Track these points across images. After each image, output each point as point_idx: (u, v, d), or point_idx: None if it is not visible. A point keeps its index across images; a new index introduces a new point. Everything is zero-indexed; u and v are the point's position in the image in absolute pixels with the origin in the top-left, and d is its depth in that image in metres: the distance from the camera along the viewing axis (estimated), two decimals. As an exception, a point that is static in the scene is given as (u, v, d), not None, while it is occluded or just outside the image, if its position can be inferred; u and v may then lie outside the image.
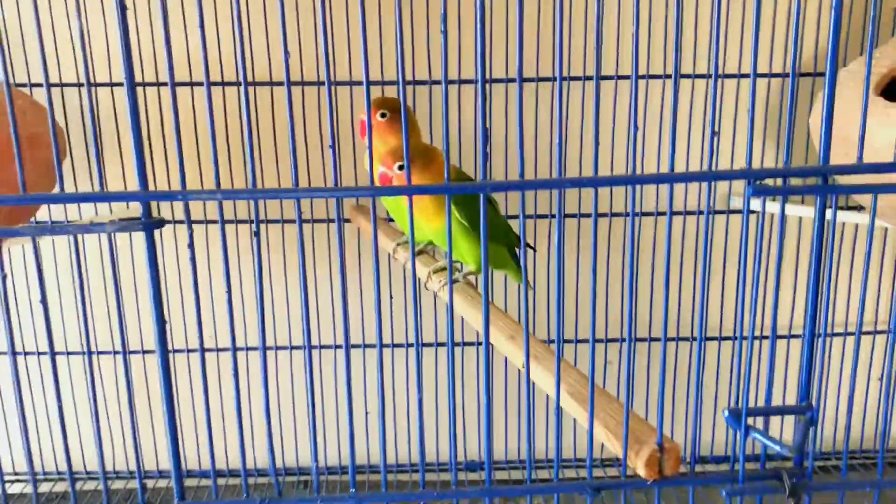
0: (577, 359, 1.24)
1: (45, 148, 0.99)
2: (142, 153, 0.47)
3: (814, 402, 0.51)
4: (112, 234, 0.48)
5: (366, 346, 1.26)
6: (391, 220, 1.14)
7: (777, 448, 0.48)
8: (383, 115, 0.94)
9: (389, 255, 1.03)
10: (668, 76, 1.17)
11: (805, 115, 1.15)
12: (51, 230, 0.47)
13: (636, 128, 0.47)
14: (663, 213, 1.21)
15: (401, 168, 0.83)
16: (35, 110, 1.01)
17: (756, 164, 1.20)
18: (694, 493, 0.55)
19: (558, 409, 0.54)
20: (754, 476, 0.52)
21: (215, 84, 1.14)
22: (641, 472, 0.51)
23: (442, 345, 1.25)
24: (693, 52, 1.15)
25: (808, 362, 0.51)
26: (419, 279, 0.93)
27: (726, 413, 0.51)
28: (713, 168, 0.48)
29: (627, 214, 1.21)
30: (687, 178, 0.48)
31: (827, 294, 0.49)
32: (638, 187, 0.49)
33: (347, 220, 1.20)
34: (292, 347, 1.26)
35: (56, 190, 0.47)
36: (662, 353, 0.50)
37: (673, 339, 1.26)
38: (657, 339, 1.24)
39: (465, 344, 1.26)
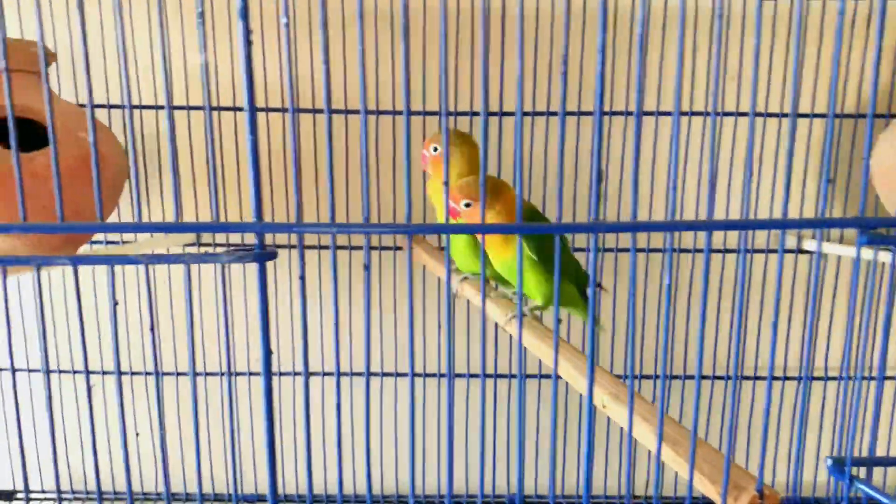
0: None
1: (110, 168, 1.00)
2: (259, 184, 0.47)
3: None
4: (225, 265, 0.48)
5: (427, 375, 1.26)
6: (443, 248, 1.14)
7: (886, 502, 0.47)
8: (435, 150, 0.94)
9: (438, 280, 1.04)
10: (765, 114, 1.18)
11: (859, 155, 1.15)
12: (166, 259, 0.48)
13: (750, 175, 0.47)
14: (760, 251, 1.21)
15: (468, 206, 0.83)
16: (101, 131, 1.03)
17: (810, 205, 1.19)
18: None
19: (659, 456, 0.54)
20: (855, 526, 0.52)
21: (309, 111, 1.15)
22: (740, 518, 0.51)
23: (489, 376, 1.24)
24: (766, 91, 1.16)
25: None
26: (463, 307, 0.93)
27: (829, 462, 0.51)
28: (825, 215, 0.48)
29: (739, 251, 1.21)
30: (799, 224, 0.48)
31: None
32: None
33: (401, 248, 1.20)
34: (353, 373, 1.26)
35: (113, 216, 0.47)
36: (767, 394, 0.50)
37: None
38: (721, 377, 1.24)
39: (521, 375, 1.26)
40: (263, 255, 0.48)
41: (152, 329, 0.49)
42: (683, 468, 0.55)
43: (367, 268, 0.49)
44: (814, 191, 1.19)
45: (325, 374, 1.25)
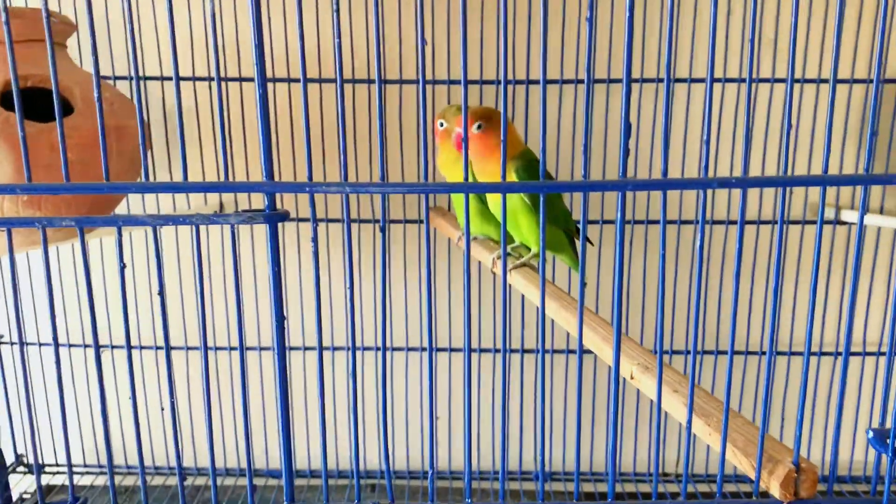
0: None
1: (131, 139, 0.99)
2: (269, 145, 0.46)
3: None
4: (235, 227, 0.46)
5: (463, 349, 1.23)
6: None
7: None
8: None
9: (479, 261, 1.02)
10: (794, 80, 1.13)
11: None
12: (173, 220, 0.46)
13: (789, 127, 0.44)
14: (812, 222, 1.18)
15: (479, 128, 0.82)
16: (122, 102, 1.01)
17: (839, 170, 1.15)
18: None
19: (689, 427, 0.51)
20: (898, 501, 0.49)
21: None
22: (775, 492, 0.48)
23: (514, 351, 1.22)
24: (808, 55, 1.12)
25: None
26: (483, 265, 0.91)
27: (870, 434, 0.48)
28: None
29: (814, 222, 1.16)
30: (842, 181, 0.45)
31: None
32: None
33: (422, 221, 1.18)
34: (374, 348, 1.25)
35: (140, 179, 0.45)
36: (805, 367, 0.47)
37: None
38: (784, 353, 1.20)
39: (541, 350, 1.23)
40: (275, 216, 0.46)
41: (161, 293, 0.48)
42: (715, 441, 0.53)
43: (383, 230, 0.47)
44: (852, 159, 1.14)
45: (335, 348, 1.23)
